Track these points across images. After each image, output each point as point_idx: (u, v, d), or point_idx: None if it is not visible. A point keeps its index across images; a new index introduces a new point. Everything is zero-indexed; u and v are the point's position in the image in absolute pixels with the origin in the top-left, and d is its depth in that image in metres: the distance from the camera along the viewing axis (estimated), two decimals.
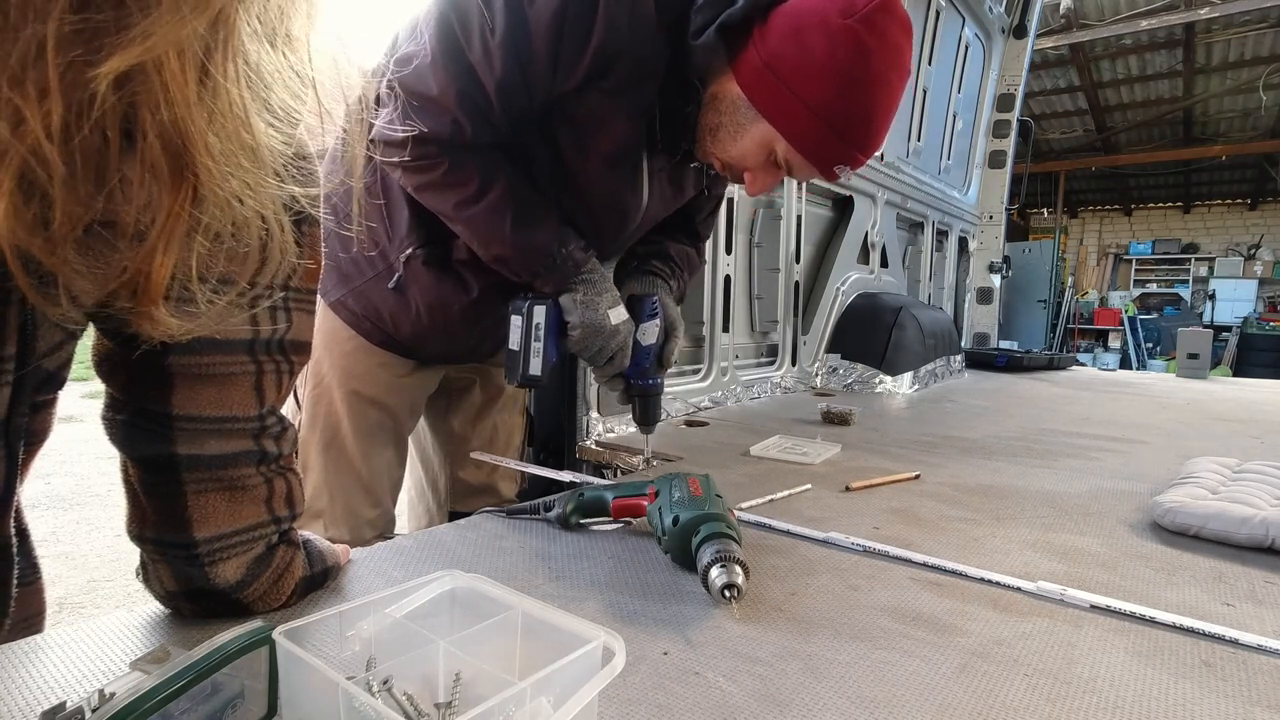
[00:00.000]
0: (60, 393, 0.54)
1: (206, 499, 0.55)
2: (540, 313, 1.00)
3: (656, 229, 1.23)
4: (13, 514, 0.54)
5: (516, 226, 0.96)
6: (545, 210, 1.00)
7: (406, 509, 1.44)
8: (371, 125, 0.90)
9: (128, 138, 0.32)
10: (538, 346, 1.00)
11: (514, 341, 1.02)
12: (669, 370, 1.18)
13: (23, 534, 0.57)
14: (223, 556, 0.56)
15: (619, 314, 1.03)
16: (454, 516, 1.33)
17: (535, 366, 1.01)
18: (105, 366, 0.55)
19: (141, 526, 0.57)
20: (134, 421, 0.54)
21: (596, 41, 0.86)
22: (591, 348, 1.03)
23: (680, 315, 1.18)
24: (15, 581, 0.55)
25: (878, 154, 2.71)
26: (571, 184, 1.03)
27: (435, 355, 1.21)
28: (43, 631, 0.61)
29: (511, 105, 0.91)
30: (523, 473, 1.39)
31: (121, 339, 0.50)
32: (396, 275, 1.07)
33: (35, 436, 0.52)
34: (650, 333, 1.09)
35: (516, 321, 1.01)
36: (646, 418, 1.14)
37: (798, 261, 2.34)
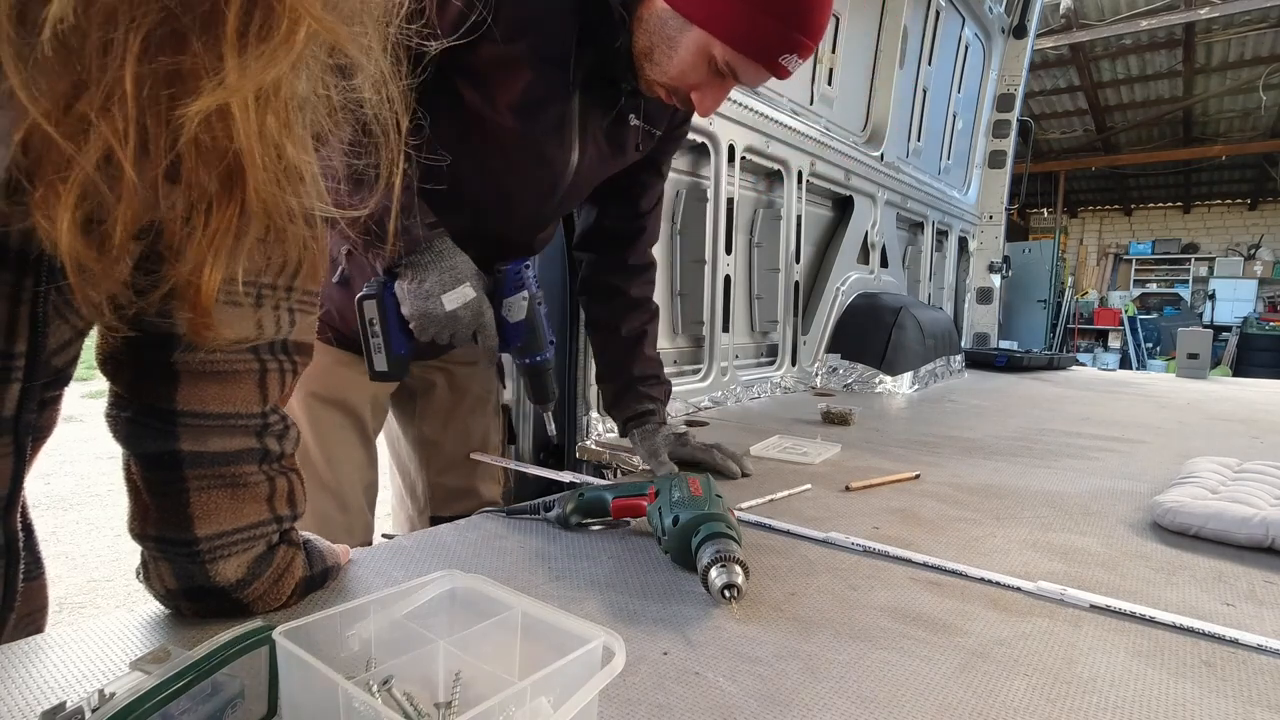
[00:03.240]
0: (66, 389, 0.54)
1: (209, 496, 0.55)
2: (371, 307, 0.94)
3: (599, 222, 1.21)
4: (19, 509, 0.54)
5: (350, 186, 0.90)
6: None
7: (391, 515, 1.42)
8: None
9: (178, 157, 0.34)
10: (377, 342, 0.95)
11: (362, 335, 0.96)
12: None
13: (28, 529, 0.57)
14: (223, 554, 0.56)
15: (458, 296, 0.93)
16: (435, 521, 1.29)
17: (379, 363, 0.95)
18: (111, 365, 0.55)
19: (144, 524, 0.57)
20: (138, 419, 0.55)
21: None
22: (440, 337, 0.95)
23: (703, 449, 1.19)
24: (21, 576, 0.55)
25: (877, 154, 2.73)
26: (484, 140, 0.97)
27: None
28: (45, 627, 0.61)
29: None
30: (508, 473, 1.37)
31: (131, 338, 0.51)
32: (339, 269, 1.04)
33: (41, 431, 0.53)
34: (518, 308, 1.01)
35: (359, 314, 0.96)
36: (536, 395, 1.08)
37: (798, 261, 2.34)
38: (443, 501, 1.34)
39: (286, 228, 0.38)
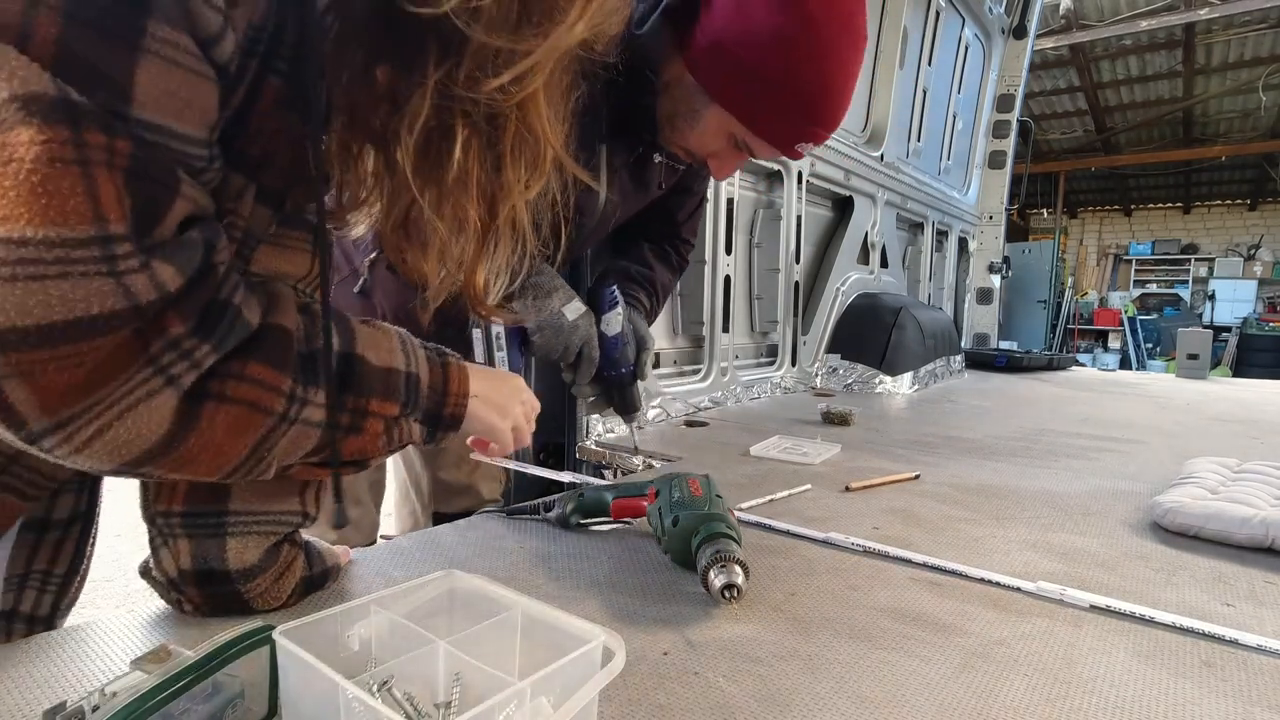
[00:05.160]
0: None
1: None
2: (498, 324, 1.01)
3: (640, 232, 1.23)
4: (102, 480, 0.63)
5: None
6: None
7: (394, 511, 1.44)
8: None
9: None
10: (501, 356, 1.01)
11: (478, 355, 1.03)
12: (653, 372, 1.19)
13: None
14: (245, 531, 0.58)
15: (575, 309, 1.03)
16: (437, 517, 1.32)
17: None
18: None
19: (170, 501, 0.58)
20: None
21: None
22: (556, 348, 1.02)
23: (648, 331, 1.21)
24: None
25: (877, 154, 2.73)
26: None
27: None
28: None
29: None
30: (508, 472, 1.39)
31: None
32: (362, 279, 1.07)
33: None
34: (614, 322, 1.09)
35: (477, 335, 1.02)
36: (627, 406, 1.14)
37: (798, 261, 2.34)
38: (444, 498, 1.36)
39: (508, 258, 0.60)
